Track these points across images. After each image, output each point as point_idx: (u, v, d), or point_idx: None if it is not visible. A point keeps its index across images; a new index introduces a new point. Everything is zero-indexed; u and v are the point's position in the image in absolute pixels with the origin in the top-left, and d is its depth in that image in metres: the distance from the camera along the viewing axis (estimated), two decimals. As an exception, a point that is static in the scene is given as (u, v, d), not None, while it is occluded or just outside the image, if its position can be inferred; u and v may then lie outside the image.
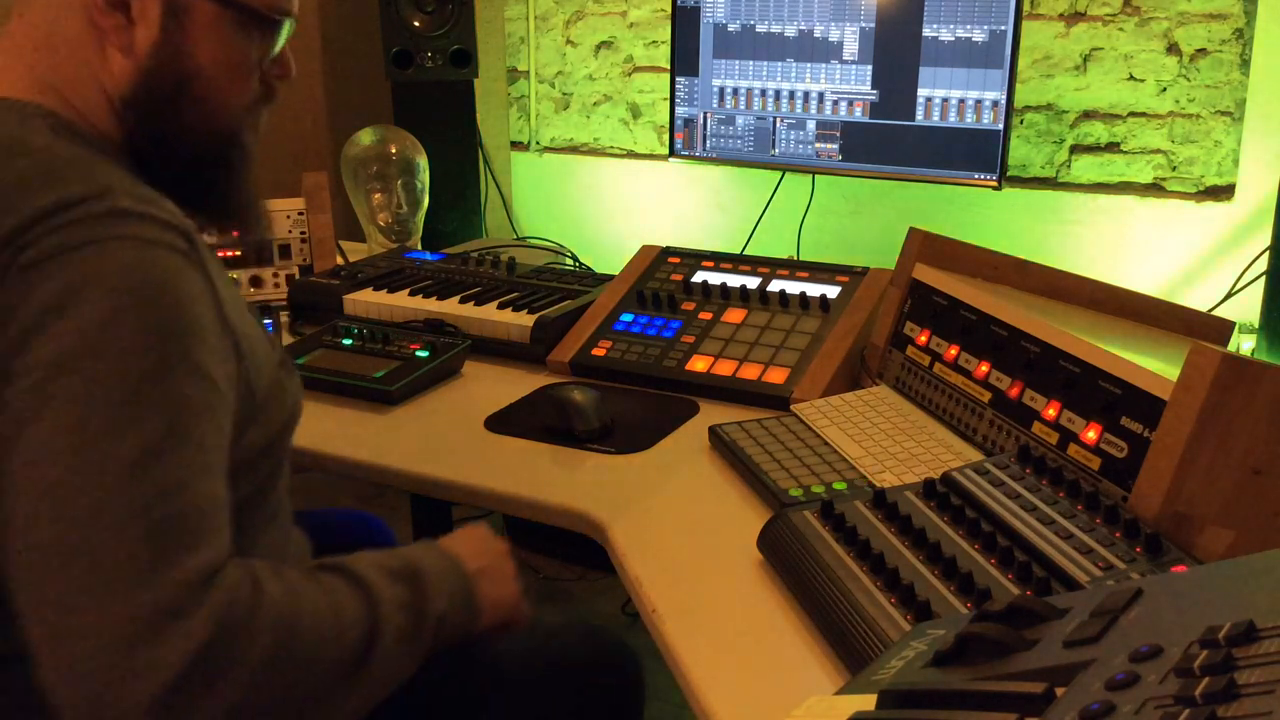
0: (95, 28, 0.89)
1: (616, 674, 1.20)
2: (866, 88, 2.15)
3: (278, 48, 0.99)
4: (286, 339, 1.75)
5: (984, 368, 1.24)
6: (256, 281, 1.91)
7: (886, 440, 1.26)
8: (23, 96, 0.89)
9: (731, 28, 2.28)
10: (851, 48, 2.16)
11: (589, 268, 2.19)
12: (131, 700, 0.69)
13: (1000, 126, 2.03)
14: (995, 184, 2.06)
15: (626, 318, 1.63)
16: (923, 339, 1.37)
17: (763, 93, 2.27)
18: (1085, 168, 2.35)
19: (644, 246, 1.78)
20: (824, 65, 2.19)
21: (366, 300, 1.76)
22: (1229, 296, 2.09)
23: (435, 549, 0.97)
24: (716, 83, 2.32)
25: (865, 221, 2.56)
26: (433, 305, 1.72)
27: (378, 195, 2.29)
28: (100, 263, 0.77)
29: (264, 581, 0.78)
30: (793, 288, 1.60)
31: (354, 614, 0.83)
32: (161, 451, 0.74)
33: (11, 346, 0.75)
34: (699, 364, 1.51)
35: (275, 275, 1.92)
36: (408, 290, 1.79)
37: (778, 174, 2.41)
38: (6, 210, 0.78)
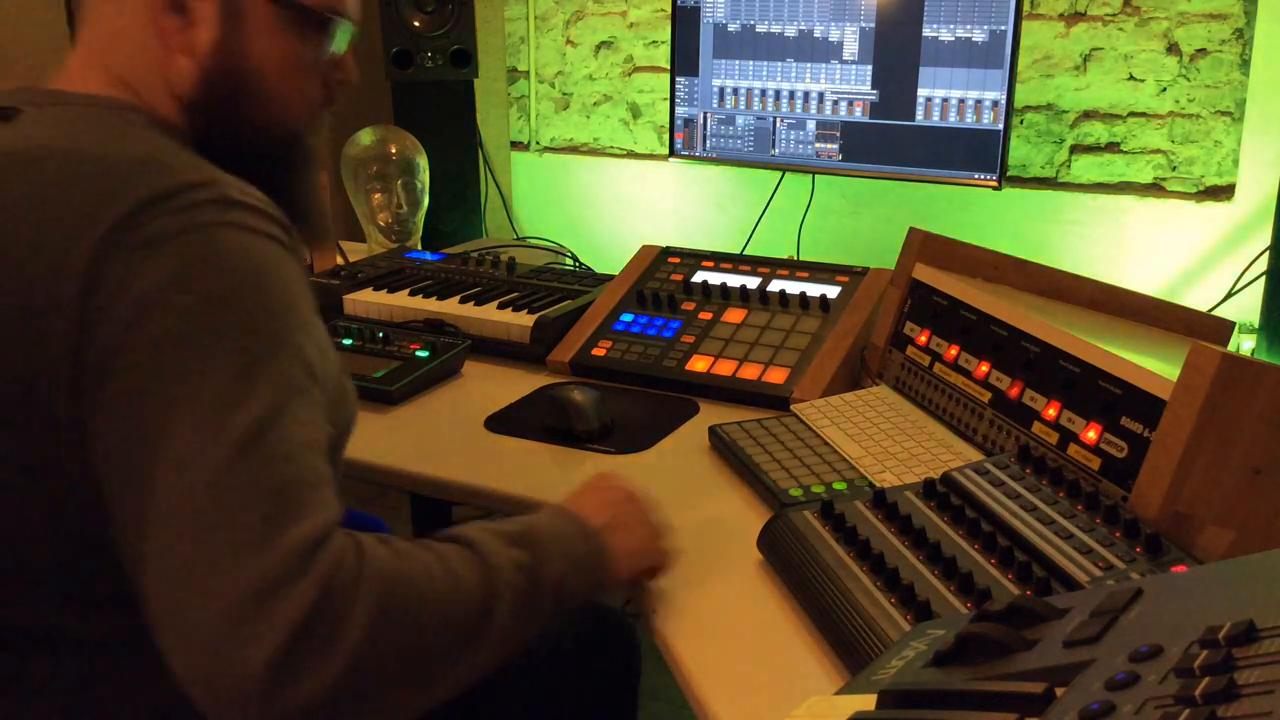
0: (159, 30, 0.92)
1: (613, 650, 1.21)
2: (866, 88, 2.15)
3: (337, 49, 1.01)
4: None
5: (984, 368, 1.24)
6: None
7: (886, 440, 1.26)
8: (112, 94, 0.92)
9: (731, 28, 2.28)
10: (851, 48, 2.16)
11: (589, 268, 2.19)
12: (247, 666, 0.70)
13: (1000, 126, 2.03)
14: (995, 184, 2.06)
15: (626, 318, 1.63)
16: (923, 339, 1.37)
17: (763, 93, 2.27)
18: (1085, 168, 2.35)
19: (644, 246, 1.78)
20: (824, 65, 2.19)
21: (366, 300, 1.76)
22: (1229, 296, 2.09)
23: (556, 510, 0.96)
24: (716, 83, 2.32)
25: (865, 221, 2.56)
26: (433, 305, 1.72)
27: (378, 195, 2.29)
28: (211, 246, 0.79)
29: (369, 546, 0.79)
30: (793, 288, 1.60)
31: (468, 576, 0.83)
32: (271, 425, 0.76)
33: (121, 323, 0.77)
34: (699, 364, 1.51)
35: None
36: (408, 290, 1.79)
37: (778, 174, 2.41)
38: (119, 195, 0.80)
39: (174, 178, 0.81)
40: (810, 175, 2.37)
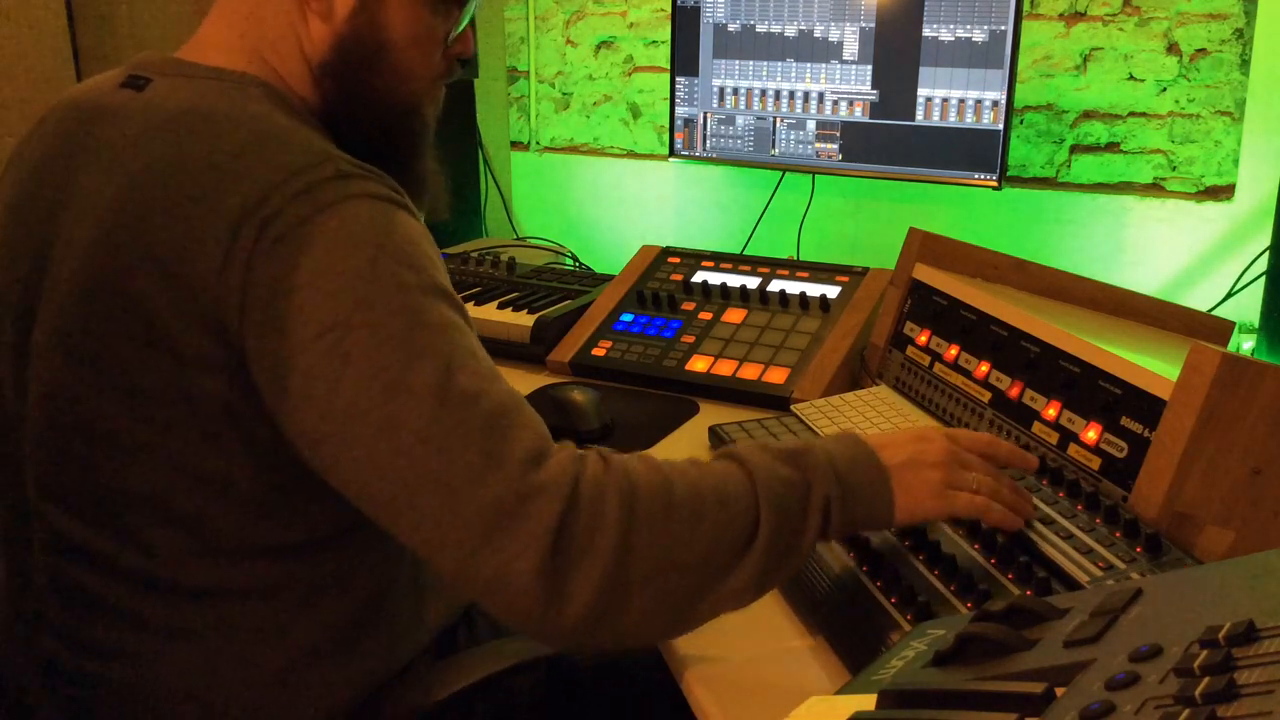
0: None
1: None
2: (866, 88, 2.15)
3: (463, 25, 1.04)
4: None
5: (984, 368, 1.24)
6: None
7: (886, 440, 1.26)
8: (237, 67, 0.93)
9: (731, 28, 2.28)
10: (851, 48, 2.16)
11: (589, 268, 2.19)
12: (520, 580, 0.75)
13: (1000, 126, 2.03)
14: (995, 184, 2.06)
15: (626, 318, 1.63)
16: (923, 339, 1.37)
17: (763, 93, 2.27)
18: (1085, 168, 2.35)
19: (644, 246, 1.78)
20: (824, 65, 2.19)
21: (366, 300, 1.76)
22: (1229, 296, 2.09)
23: (849, 436, 0.93)
24: (716, 83, 2.32)
25: (865, 221, 2.56)
26: (433, 305, 1.72)
27: (378, 195, 2.29)
28: (342, 223, 0.82)
29: (614, 455, 0.83)
30: (793, 288, 1.60)
31: (731, 487, 0.84)
32: (453, 369, 0.80)
33: (291, 321, 0.79)
34: (699, 364, 1.51)
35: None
36: (408, 290, 1.79)
37: (778, 174, 2.41)
38: (236, 177, 0.82)
39: (289, 159, 0.84)
40: (810, 175, 2.37)
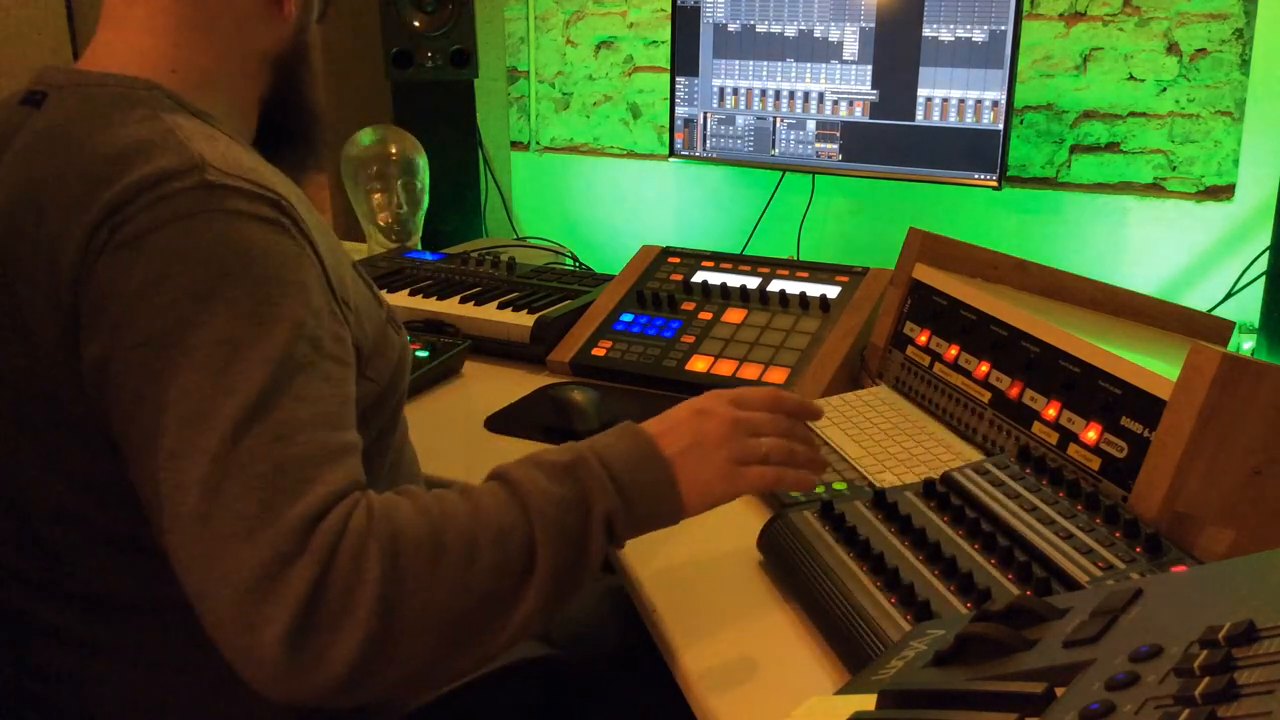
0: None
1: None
2: (866, 88, 2.15)
3: None
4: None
5: (984, 368, 1.24)
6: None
7: (886, 440, 1.26)
8: (135, 71, 0.93)
9: (731, 28, 2.28)
10: (851, 48, 2.16)
11: (589, 268, 2.19)
12: (265, 649, 0.72)
13: (1000, 126, 2.03)
14: (995, 184, 2.06)
15: (626, 318, 1.63)
16: (923, 339, 1.37)
17: (763, 93, 2.27)
18: (1085, 168, 2.35)
19: (644, 246, 1.78)
20: (824, 65, 2.19)
21: (366, 300, 1.76)
22: (1229, 296, 2.09)
23: (625, 430, 0.90)
24: (716, 83, 2.32)
25: (865, 221, 2.56)
26: (433, 305, 1.72)
27: (378, 195, 2.29)
28: (190, 238, 0.80)
29: (383, 506, 0.78)
30: (793, 288, 1.60)
31: (503, 520, 0.80)
32: (264, 409, 0.76)
33: (109, 328, 0.79)
34: (699, 364, 1.51)
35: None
36: (408, 290, 1.79)
37: (778, 174, 2.41)
38: (104, 182, 0.81)
39: (156, 164, 0.82)
40: (810, 175, 2.37)
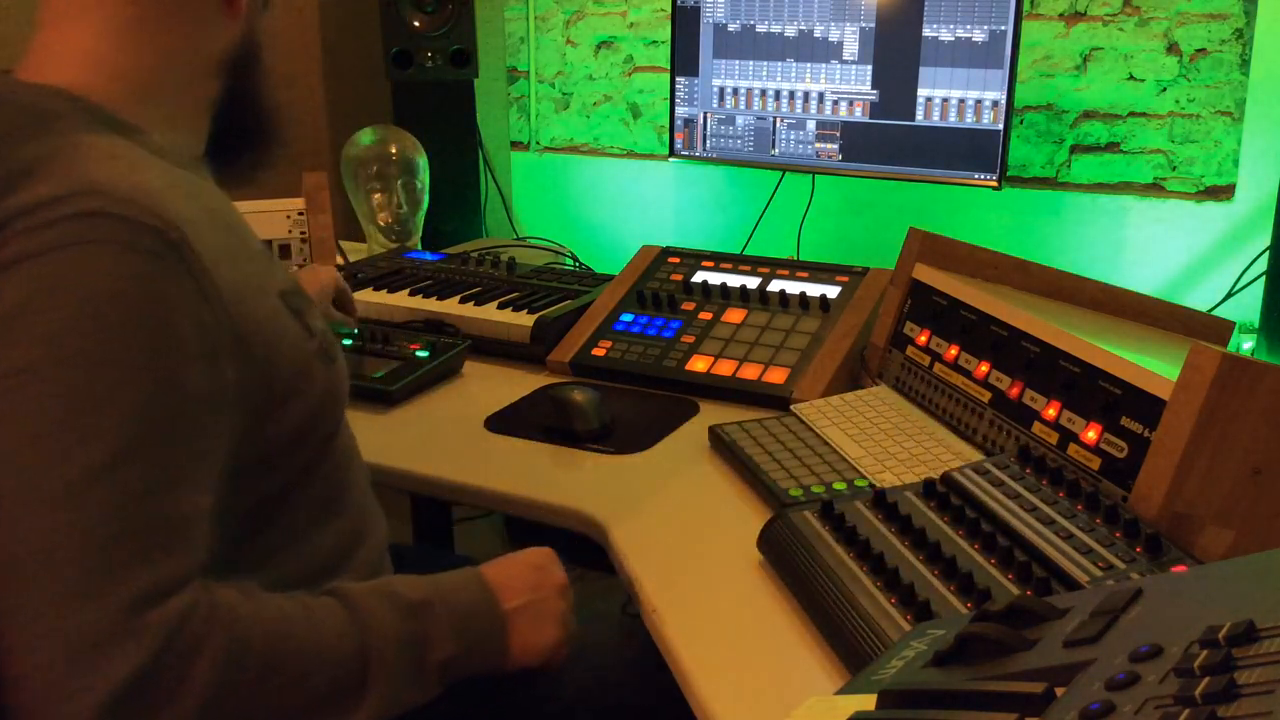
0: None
1: None
2: (866, 88, 2.15)
3: None
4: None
5: (984, 368, 1.24)
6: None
7: (886, 440, 1.26)
8: (56, 81, 0.88)
9: (731, 28, 2.28)
10: (851, 48, 2.15)
11: (589, 268, 2.19)
12: (81, 715, 0.69)
13: (1000, 126, 2.03)
14: (995, 184, 2.06)
15: (626, 318, 1.63)
16: (923, 339, 1.37)
17: (763, 93, 2.27)
18: (1085, 168, 2.35)
19: (644, 247, 1.78)
20: (824, 65, 2.19)
21: (366, 300, 1.76)
22: (1229, 296, 2.09)
23: (473, 579, 0.94)
24: (716, 83, 2.32)
25: (865, 221, 2.56)
26: (433, 305, 1.72)
27: (378, 195, 2.29)
28: (65, 270, 0.76)
29: (226, 607, 0.76)
30: (793, 288, 1.60)
31: (342, 648, 0.81)
32: (115, 466, 0.73)
33: None
34: (699, 364, 1.51)
35: (275, 275, 1.92)
36: (408, 290, 1.79)
37: (778, 174, 2.41)
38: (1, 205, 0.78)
39: (37, 191, 0.78)
40: (810, 175, 2.37)
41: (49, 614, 0.70)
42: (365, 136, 2.32)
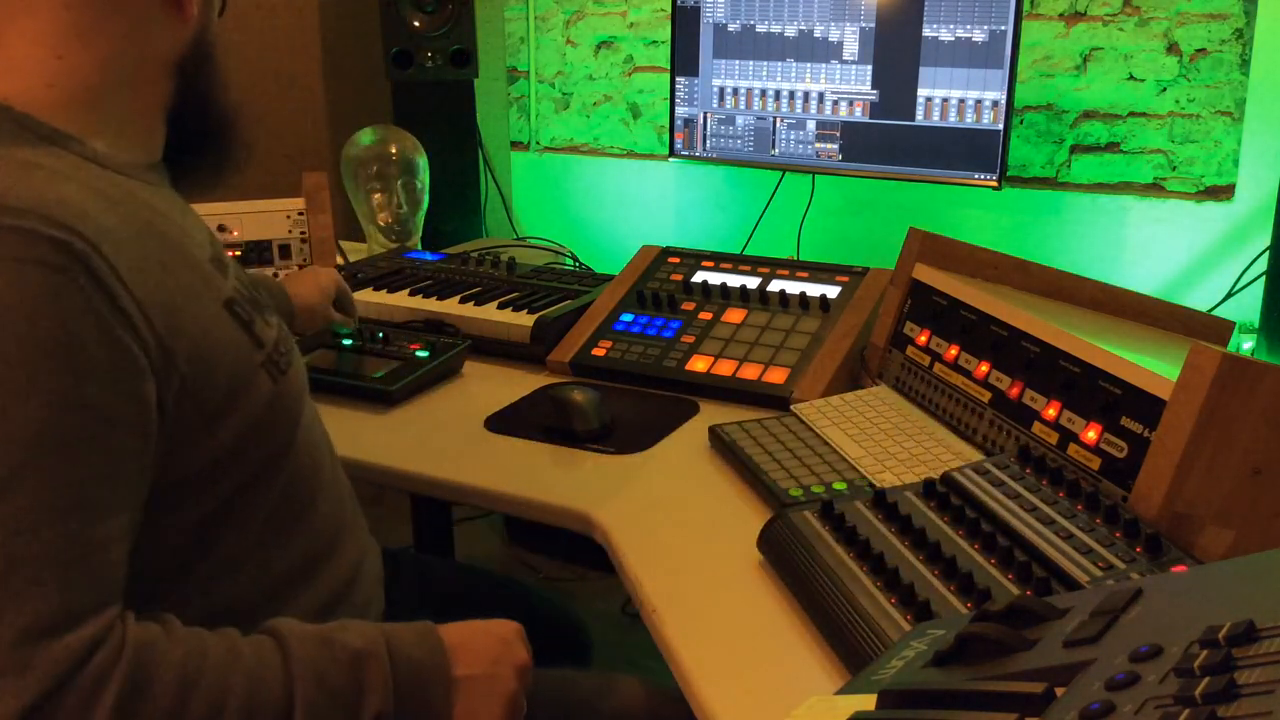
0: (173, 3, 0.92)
1: None
2: (866, 88, 2.15)
3: None
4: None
5: (984, 368, 1.24)
6: (256, 281, 1.91)
7: (886, 440, 1.26)
8: (6, 90, 0.86)
9: (731, 28, 2.28)
10: (851, 48, 2.16)
11: (589, 268, 2.19)
12: None
13: (1000, 126, 2.03)
14: (995, 184, 2.06)
15: (626, 318, 1.63)
16: (923, 339, 1.37)
17: (763, 93, 2.27)
18: (1085, 168, 2.35)
19: (644, 247, 1.78)
20: (824, 65, 2.19)
21: (366, 300, 1.76)
22: (1229, 296, 2.09)
23: (428, 638, 0.88)
24: (716, 83, 2.32)
25: (865, 221, 2.56)
26: (433, 305, 1.72)
27: (378, 195, 2.29)
28: None
29: (138, 644, 0.73)
30: (793, 288, 1.60)
31: (267, 692, 0.77)
32: (3, 490, 0.70)
33: None
34: (699, 364, 1.51)
35: (275, 275, 1.92)
36: (408, 290, 1.79)
37: (778, 174, 2.41)
38: None
39: None
40: (810, 175, 2.37)
41: None
42: (365, 136, 2.32)
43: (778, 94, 2.25)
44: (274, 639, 0.82)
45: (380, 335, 1.59)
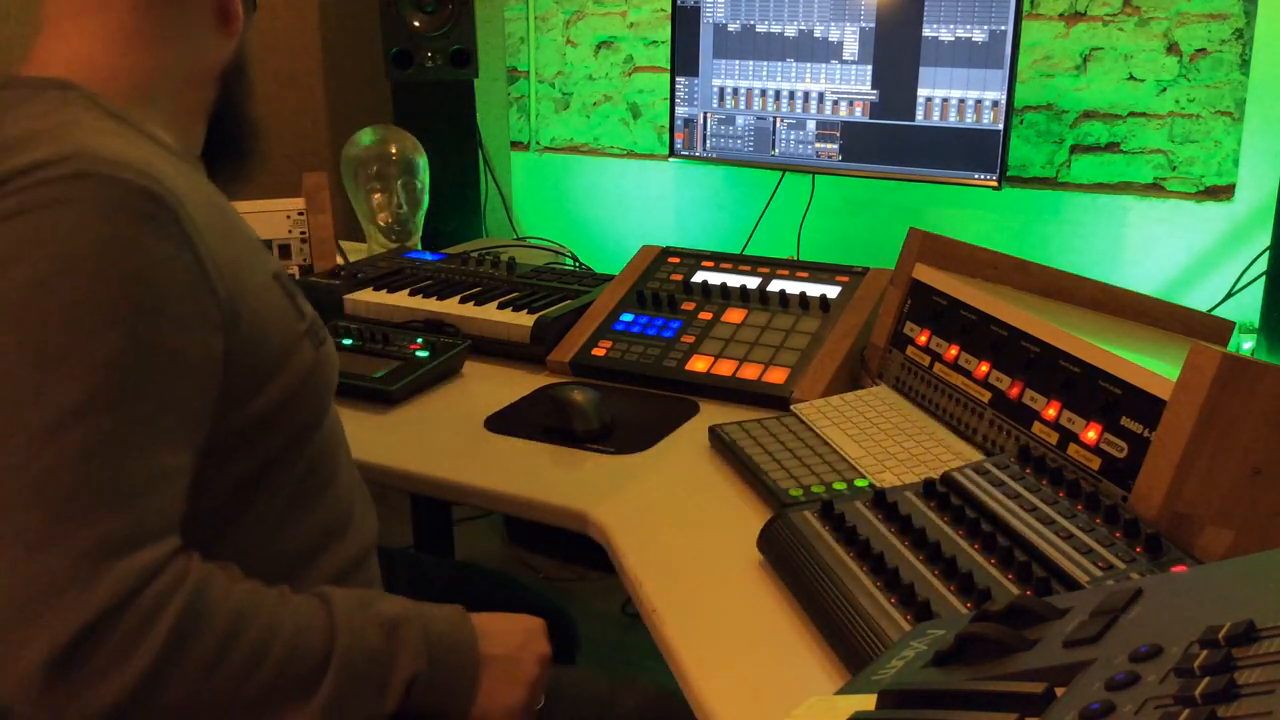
0: (222, 16, 0.99)
1: None
2: (866, 88, 2.15)
3: None
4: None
5: (984, 368, 1.24)
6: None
7: (886, 440, 1.26)
8: (51, 73, 0.91)
9: (731, 28, 2.28)
10: (851, 48, 2.16)
11: (589, 268, 2.19)
12: (18, 667, 0.69)
13: (1000, 126, 2.03)
14: (995, 184, 2.06)
15: (626, 318, 1.63)
16: (923, 339, 1.37)
17: (763, 93, 2.27)
18: (1085, 168, 2.35)
19: (644, 246, 1.78)
20: (824, 65, 2.19)
21: (366, 300, 1.76)
22: (1229, 296, 2.09)
23: (458, 616, 0.92)
24: (716, 83, 2.32)
25: (865, 221, 2.56)
26: (433, 305, 1.72)
27: (378, 195, 2.29)
28: (47, 226, 0.77)
29: (198, 573, 0.76)
30: (793, 288, 1.60)
31: (309, 642, 0.81)
32: (78, 418, 0.73)
33: None
34: (699, 364, 1.51)
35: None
36: (408, 290, 1.79)
37: (778, 174, 2.41)
38: None
39: (32, 154, 0.80)
40: (810, 175, 2.37)
41: (4, 560, 0.70)
42: (365, 136, 2.32)
43: (778, 94, 2.25)
44: (319, 598, 0.85)
45: (380, 335, 1.59)
